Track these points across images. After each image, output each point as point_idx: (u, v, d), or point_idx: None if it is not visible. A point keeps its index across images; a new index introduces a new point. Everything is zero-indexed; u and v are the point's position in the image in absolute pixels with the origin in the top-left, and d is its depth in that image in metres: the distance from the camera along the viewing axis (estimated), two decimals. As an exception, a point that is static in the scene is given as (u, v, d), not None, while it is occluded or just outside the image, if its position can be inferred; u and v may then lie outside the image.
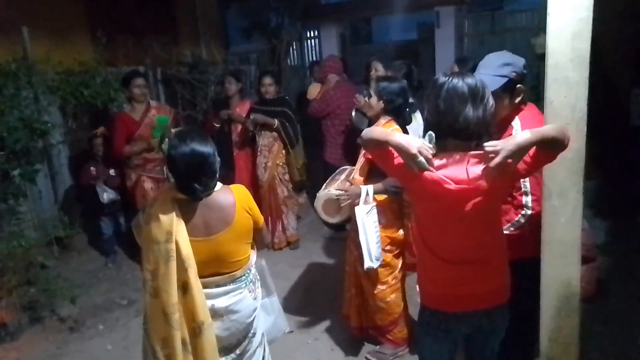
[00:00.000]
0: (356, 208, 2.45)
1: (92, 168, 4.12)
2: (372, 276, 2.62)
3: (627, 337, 2.68)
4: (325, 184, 2.75)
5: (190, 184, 1.68)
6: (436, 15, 7.23)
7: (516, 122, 1.85)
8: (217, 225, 1.75)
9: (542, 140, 1.42)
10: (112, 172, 4.15)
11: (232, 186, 1.85)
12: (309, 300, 3.42)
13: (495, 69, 1.83)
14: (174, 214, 1.68)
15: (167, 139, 3.28)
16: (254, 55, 6.99)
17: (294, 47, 8.11)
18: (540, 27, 5.74)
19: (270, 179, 4.31)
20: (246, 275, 1.88)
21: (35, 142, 3.85)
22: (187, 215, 1.71)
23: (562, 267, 1.70)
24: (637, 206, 4.12)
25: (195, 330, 1.71)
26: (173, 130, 3.65)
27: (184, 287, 1.69)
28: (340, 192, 2.57)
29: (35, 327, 3.30)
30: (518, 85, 1.84)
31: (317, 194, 2.66)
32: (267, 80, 4.19)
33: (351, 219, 2.71)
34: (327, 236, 4.61)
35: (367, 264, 2.45)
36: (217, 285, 1.79)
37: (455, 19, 7.21)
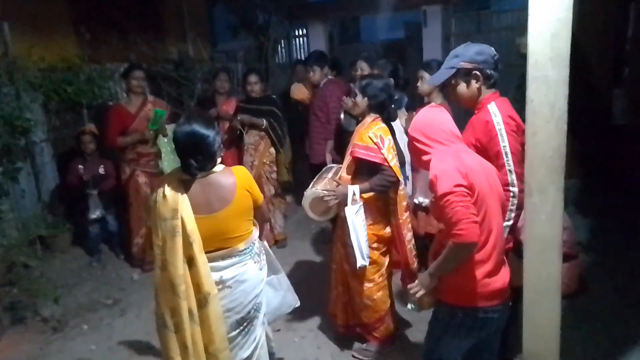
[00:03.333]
0: (346, 209, 2.46)
1: (79, 166, 4.01)
2: (359, 274, 2.63)
3: (606, 332, 2.73)
4: (312, 182, 2.75)
5: (187, 160, 1.84)
6: (423, 14, 7.28)
7: (492, 107, 2.03)
8: (219, 203, 1.90)
9: (441, 273, 1.72)
10: (101, 169, 4.04)
11: (233, 167, 2.01)
12: (295, 298, 3.42)
13: (446, 62, 2.08)
14: (179, 193, 1.84)
15: (161, 135, 3.24)
16: (241, 53, 6.96)
17: (282, 45, 8.08)
18: (525, 27, 5.82)
19: (256, 178, 4.29)
20: (250, 247, 2.02)
21: (17, 140, 3.80)
22: (191, 194, 1.87)
23: (542, 264, 1.72)
24: (619, 204, 4.20)
25: (202, 301, 1.87)
26: (168, 127, 3.64)
27: (190, 261, 1.85)
28: (326, 191, 2.58)
29: (17, 327, 3.25)
30: (474, 72, 2.00)
31: (305, 192, 2.67)
32: (253, 78, 4.16)
33: (338, 217, 2.73)
34: (314, 234, 4.61)
35: (360, 262, 2.47)
36: (223, 259, 1.94)
37: (442, 18, 7.26)
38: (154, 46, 5.47)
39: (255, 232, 2.09)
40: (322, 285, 3.18)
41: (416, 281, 1.80)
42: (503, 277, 1.75)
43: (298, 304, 2.37)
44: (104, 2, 5.32)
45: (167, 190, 1.85)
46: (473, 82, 2.03)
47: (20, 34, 4.15)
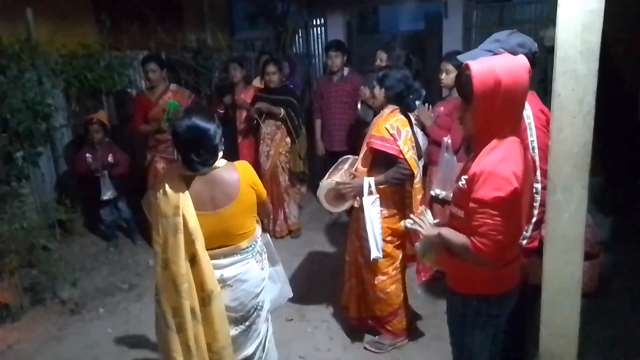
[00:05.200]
0: (363, 199, 2.45)
1: (87, 155, 4.00)
2: (373, 267, 2.62)
3: (625, 333, 2.68)
4: (328, 173, 2.74)
5: (188, 155, 1.78)
6: (444, 5, 7.14)
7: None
8: (223, 199, 1.85)
9: (445, 244, 1.68)
10: (110, 157, 4.05)
11: (236, 163, 1.95)
12: (309, 289, 3.43)
13: (487, 44, 1.94)
14: (180, 189, 1.79)
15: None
16: (259, 42, 6.94)
17: (300, 35, 8.02)
18: (549, 20, 5.67)
19: (272, 168, 4.30)
20: (252, 246, 1.98)
21: (39, 125, 3.85)
22: (194, 191, 1.81)
23: (564, 263, 1.68)
24: (641, 203, 4.10)
25: (205, 299, 1.82)
26: None
27: (192, 259, 1.80)
28: (342, 183, 2.57)
29: (36, 308, 3.32)
30: None
31: (320, 183, 2.66)
32: (271, 68, 4.15)
33: (353, 209, 2.71)
34: (329, 225, 4.61)
35: (375, 254, 2.46)
36: (225, 256, 1.89)
37: (463, 10, 7.11)
38: (173, 34, 5.49)
39: (258, 230, 2.04)
40: (335, 276, 3.18)
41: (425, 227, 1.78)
42: (515, 263, 1.70)
43: (291, 295, 2.32)
44: (124, -10, 5.36)
45: (168, 187, 1.79)
46: None
47: (43, 20, 4.19)
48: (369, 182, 2.47)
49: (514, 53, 1.84)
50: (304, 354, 2.73)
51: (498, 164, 1.48)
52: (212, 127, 1.80)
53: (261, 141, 4.30)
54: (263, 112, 4.16)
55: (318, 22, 8.31)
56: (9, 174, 3.48)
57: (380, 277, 2.64)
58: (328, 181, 2.63)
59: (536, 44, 1.95)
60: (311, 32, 8.24)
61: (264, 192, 2.04)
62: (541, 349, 1.79)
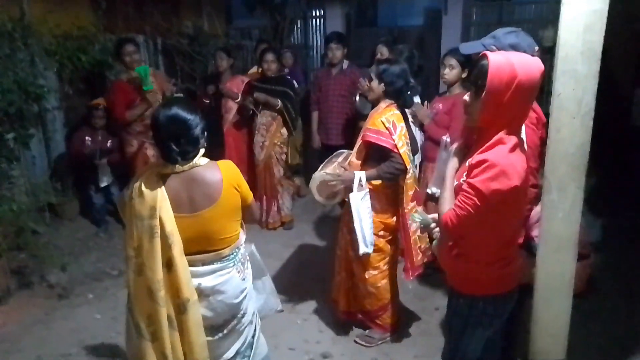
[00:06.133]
0: (351, 195, 2.43)
1: (87, 137, 4.02)
2: (364, 261, 2.62)
3: (612, 332, 2.71)
4: (321, 166, 2.73)
5: (167, 145, 1.65)
6: (444, 1, 7.11)
7: None
8: (203, 201, 1.71)
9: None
10: (109, 143, 4.05)
11: (219, 162, 1.81)
12: (300, 280, 3.43)
13: (486, 39, 1.95)
14: (158, 189, 1.65)
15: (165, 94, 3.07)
16: (257, 31, 6.86)
17: (298, 26, 7.95)
18: (548, 20, 5.67)
19: (266, 158, 4.28)
20: (234, 254, 1.83)
21: (30, 106, 3.78)
22: (171, 191, 1.67)
23: (557, 262, 1.70)
24: (634, 205, 4.14)
25: (180, 307, 1.70)
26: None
27: (169, 264, 1.67)
28: (331, 175, 2.56)
29: (23, 292, 3.29)
30: None
31: (313, 175, 2.65)
32: (269, 56, 4.11)
33: (345, 202, 2.70)
34: (321, 218, 4.61)
35: (362, 249, 2.46)
36: (204, 264, 1.75)
37: (463, 7, 7.10)
38: (169, 19, 5.41)
39: (242, 236, 1.90)
40: (326, 269, 3.17)
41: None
42: (517, 262, 1.70)
43: (280, 308, 2.25)
44: (121, -29, 5.26)
45: (144, 185, 1.65)
46: None
47: (37, 0, 4.11)
48: (359, 175, 2.46)
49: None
50: (293, 346, 2.73)
51: (503, 158, 1.46)
52: (193, 117, 1.69)
53: (256, 132, 4.26)
54: (260, 102, 4.12)
55: (317, 14, 8.24)
56: (-1, 155, 3.43)
57: (371, 272, 2.64)
58: (321, 173, 2.62)
59: (537, 47, 1.92)
60: (310, 23, 8.17)
61: (250, 195, 1.89)
62: (531, 346, 1.81)
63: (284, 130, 4.27)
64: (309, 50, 8.10)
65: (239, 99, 4.25)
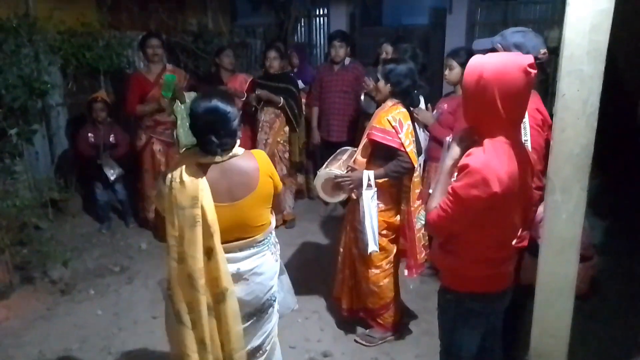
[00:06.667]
0: (363, 194, 2.44)
1: (90, 134, 4.01)
2: (367, 259, 2.62)
3: (614, 335, 2.70)
4: (326, 163, 2.72)
5: (208, 137, 1.68)
6: (449, 0, 7.09)
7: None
8: (241, 190, 1.75)
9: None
10: (112, 138, 4.06)
11: (253, 151, 1.86)
12: (301, 279, 3.40)
13: (495, 37, 1.97)
14: (199, 178, 1.68)
15: (178, 102, 3.21)
16: (261, 29, 6.85)
17: (302, 24, 7.94)
18: (553, 20, 5.64)
19: (270, 156, 4.24)
20: (268, 238, 1.90)
21: (34, 102, 3.79)
22: (211, 180, 1.70)
23: (559, 264, 1.68)
24: (637, 207, 4.11)
25: (219, 296, 1.74)
26: (186, 93, 3.61)
27: (209, 253, 1.71)
28: (341, 174, 2.55)
29: (26, 287, 3.30)
30: None
31: (318, 172, 2.64)
32: (272, 53, 4.10)
33: (349, 201, 2.70)
34: (324, 216, 4.60)
35: (371, 247, 2.46)
36: (241, 250, 1.80)
37: (468, 6, 7.07)
38: (174, 16, 5.41)
39: (274, 221, 1.96)
40: (328, 267, 3.17)
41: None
42: (509, 264, 1.70)
43: (296, 306, 2.27)
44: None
45: (185, 175, 1.67)
46: None
47: (42, -4, 4.12)
48: (368, 175, 2.46)
49: (509, 51, 1.84)
50: (294, 344, 2.73)
51: (484, 163, 1.44)
52: (232, 110, 1.72)
53: (259, 129, 4.26)
54: (262, 99, 4.12)
55: (321, 12, 8.22)
56: (2, 150, 3.44)
57: (374, 270, 2.64)
58: (326, 171, 2.61)
59: (543, 49, 1.90)
60: (314, 21, 8.16)
61: (280, 184, 1.94)
62: (531, 347, 1.80)
63: (287, 128, 4.26)
64: (313, 48, 8.09)
65: (244, 97, 4.26)
